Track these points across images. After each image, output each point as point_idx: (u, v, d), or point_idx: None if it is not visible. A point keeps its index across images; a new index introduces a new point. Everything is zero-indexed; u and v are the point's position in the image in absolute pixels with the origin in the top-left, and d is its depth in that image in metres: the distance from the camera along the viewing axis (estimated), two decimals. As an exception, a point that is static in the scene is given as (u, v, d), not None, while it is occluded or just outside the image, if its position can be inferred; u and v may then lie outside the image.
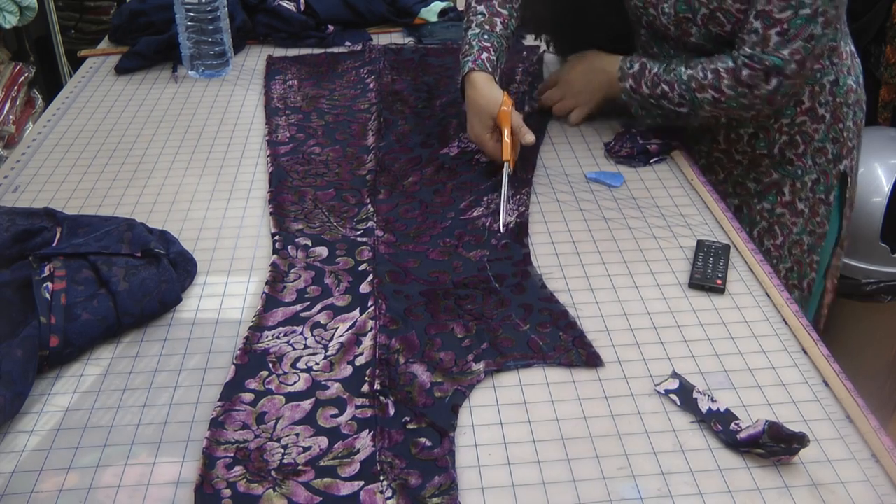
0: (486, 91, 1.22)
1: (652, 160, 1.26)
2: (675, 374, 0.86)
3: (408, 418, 0.80)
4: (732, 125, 1.30)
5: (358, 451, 0.77)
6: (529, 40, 1.75)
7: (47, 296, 0.89)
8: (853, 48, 1.31)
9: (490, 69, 1.24)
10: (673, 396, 0.83)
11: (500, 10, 1.30)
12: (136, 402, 0.84)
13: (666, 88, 1.21)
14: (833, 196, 1.31)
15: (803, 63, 1.14)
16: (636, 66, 1.25)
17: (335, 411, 0.82)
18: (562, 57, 1.53)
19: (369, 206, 1.15)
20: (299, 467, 0.75)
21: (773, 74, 1.14)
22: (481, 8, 1.30)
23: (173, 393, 0.85)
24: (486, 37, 1.27)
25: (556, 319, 0.93)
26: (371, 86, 1.52)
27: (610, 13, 1.37)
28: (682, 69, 1.21)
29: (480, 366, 0.87)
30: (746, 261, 1.04)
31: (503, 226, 1.09)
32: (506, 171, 1.17)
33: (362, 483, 0.74)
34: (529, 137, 1.21)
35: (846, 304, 1.80)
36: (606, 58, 1.30)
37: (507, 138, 1.19)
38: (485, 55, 1.25)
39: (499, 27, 1.28)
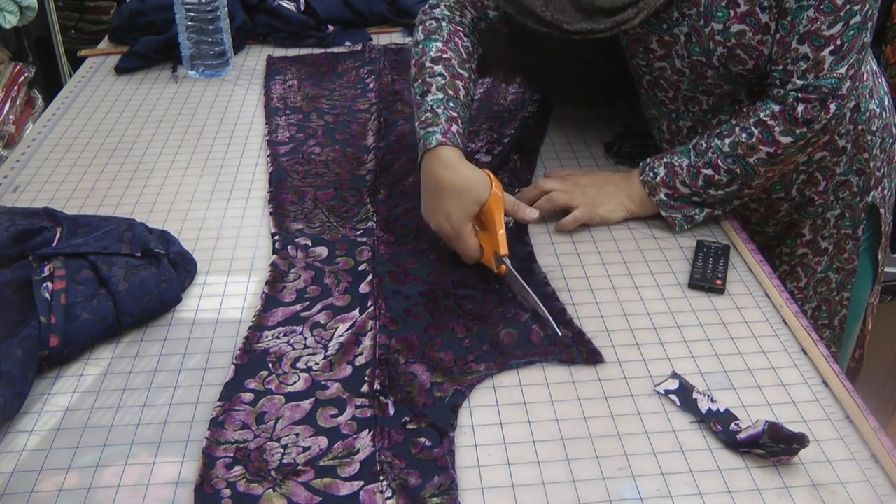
0: (466, 171, 1.00)
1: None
2: (674, 375, 0.86)
3: (408, 418, 0.80)
4: None
5: (358, 451, 0.77)
6: (529, 40, 1.75)
7: (47, 296, 0.89)
8: (875, 66, 1.18)
9: (461, 145, 1.03)
10: (673, 397, 0.83)
11: (460, 71, 1.09)
12: (136, 402, 0.84)
13: (709, 173, 1.05)
14: (862, 230, 1.19)
15: (855, 77, 1.01)
16: (661, 171, 1.08)
17: (335, 411, 0.82)
18: (554, 99, 1.41)
19: (369, 206, 1.15)
20: (299, 467, 0.75)
21: (830, 99, 0.99)
22: (439, 69, 1.08)
23: (173, 393, 0.85)
24: (451, 104, 1.05)
25: (554, 316, 0.93)
26: (371, 86, 1.52)
27: (585, 57, 1.23)
28: (717, 142, 1.04)
29: (481, 367, 0.87)
30: (746, 261, 1.04)
31: (558, 328, 0.91)
32: (510, 267, 0.97)
33: (362, 483, 0.74)
34: (532, 213, 1.04)
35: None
36: (627, 173, 1.13)
37: (501, 230, 0.98)
38: (454, 127, 1.03)
39: (462, 93, 1.08)
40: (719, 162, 1.04)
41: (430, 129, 1.03)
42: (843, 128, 1.12)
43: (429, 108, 1.05)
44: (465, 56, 1.12)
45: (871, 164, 1.16)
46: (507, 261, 0.97)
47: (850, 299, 1.23)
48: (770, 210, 1.20)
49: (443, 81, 1.07)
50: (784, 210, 1.20)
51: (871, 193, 1.18)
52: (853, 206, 1.18)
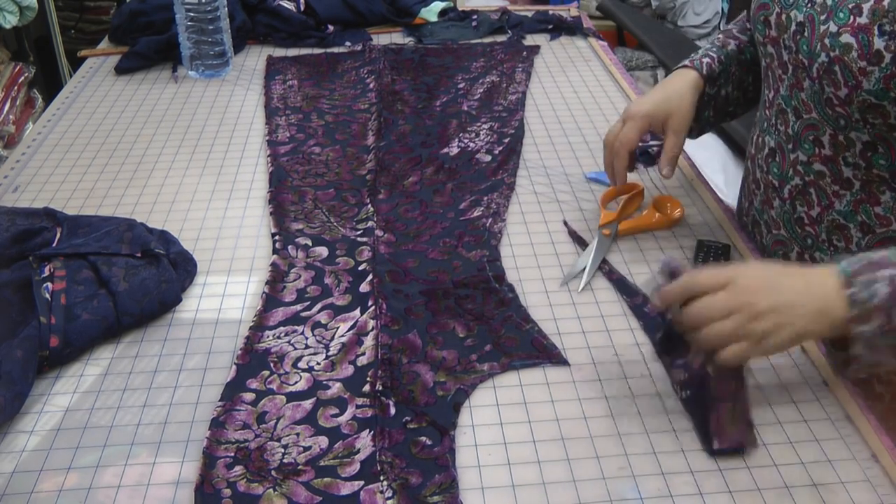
0: (687, 98, 1.05)
1: (653, 162, 1.25)
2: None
3: (408, 418, 0.80)
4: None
5: (358, 451, 0.77)
6: (530, 40, 1.75)
7: (47, 296, 0.89)
8: None
9: (704, 72, 1.07)
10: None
11: (738, 35, 1.13)
12: (136, 402, 0.84)
13: None
14: None
15: None
16: (883, 288, 0.74)
17: (336, 411, 0.82)
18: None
19: (369, 206, 1.15)
20: (299, 467, 0.75)
21: None
22: (720, 35, 1.15)
23: (173, 393, 0.85)
24: (714, 50, 1.11)
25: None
26: (371, 86, 1.52)
27: None
28: None
29: (485, 366, 0.87)
30: (746, 261, 1.04)
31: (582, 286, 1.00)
32: (598, 239, 1.06)
33: (362, 483, 0.74)
34: (667, 171, 1.07)
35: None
36: (818, 269, 0.78)
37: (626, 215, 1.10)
38: (706, 60, 1.09)
39: (731, 46, 1.11)
40: None
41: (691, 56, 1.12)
42: None
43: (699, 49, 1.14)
44: (746, 38, 1.13)
45: None
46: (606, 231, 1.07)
47: None
48: None
49: (717, 39, 1.14)
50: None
51: None
52: None
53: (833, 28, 0.86)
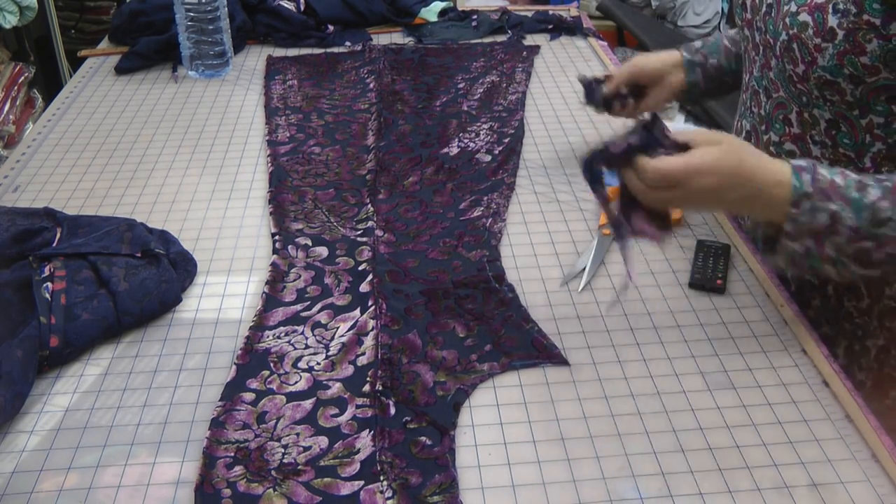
0: (661, 58, 1.15)
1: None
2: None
3: (408, 418, 0.80)
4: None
5: (358, 451, 0.77)
6: (530, 40, 1.75)
7: (47, 296, 0.89)
8: None
9: (689, 53, 1.15)
10: None
11: (736, 37, 1.15)
12: (136, 402, 0.84)
13: (868, 246, 0.78)
14: None
15: None
16: (824, 218, 0.78)
17: (336, 411, 0.82)
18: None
19: (369, 206, 1.15)
20: (299, 467, 0.75)
21: None
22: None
23: (173, 393, 0.85)
24: (710, 41, 1.18)
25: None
26: (371, 86, 1.52)
27: None
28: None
29: (485, 366, 0.87)
30: (746, 261, 1.04)
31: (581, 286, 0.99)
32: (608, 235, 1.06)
33: (362, 483, 0.74)
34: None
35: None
36: (768, 165, 0.80)
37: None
38: (697, 44, 1.17)
39: (726, 41, 1.16)
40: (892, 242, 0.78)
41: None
42: None
43: None
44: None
45: None
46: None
47: None
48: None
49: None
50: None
51: None
52: None
53: (793, 8, 0.90)
